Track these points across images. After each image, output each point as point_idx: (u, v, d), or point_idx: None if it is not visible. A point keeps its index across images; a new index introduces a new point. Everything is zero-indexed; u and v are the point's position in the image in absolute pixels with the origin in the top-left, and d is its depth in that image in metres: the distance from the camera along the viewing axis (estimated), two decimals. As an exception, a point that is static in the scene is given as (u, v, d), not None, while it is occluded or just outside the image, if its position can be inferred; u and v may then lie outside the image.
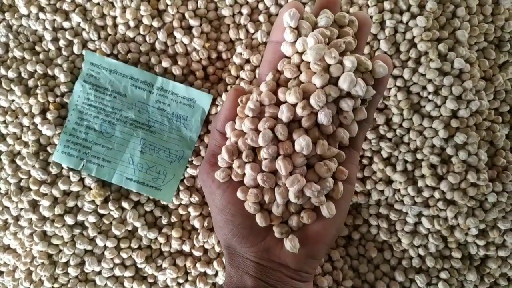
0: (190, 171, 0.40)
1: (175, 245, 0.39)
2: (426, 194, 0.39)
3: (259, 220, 0.28)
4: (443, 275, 0.39)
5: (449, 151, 0.38)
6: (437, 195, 0.38)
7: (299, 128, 0.27)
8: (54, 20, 0.40)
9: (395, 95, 0.39)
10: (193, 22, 0.40)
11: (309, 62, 0.26)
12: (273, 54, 0.29)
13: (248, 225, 0.28)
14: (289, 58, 0.28)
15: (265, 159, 0.27)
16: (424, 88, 0.39)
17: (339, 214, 0.28)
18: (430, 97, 0.39)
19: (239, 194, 0.27)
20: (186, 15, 0.40)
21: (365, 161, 0.41)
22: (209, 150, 0.31)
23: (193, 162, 0.40)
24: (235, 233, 0.28)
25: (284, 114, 0.26)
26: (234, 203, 0.28)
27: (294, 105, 0.26)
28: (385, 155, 0.40)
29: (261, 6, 0.41)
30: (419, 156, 0.39)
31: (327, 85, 0.26)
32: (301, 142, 0.26)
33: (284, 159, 0.26)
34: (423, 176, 0.39)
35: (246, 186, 0.28)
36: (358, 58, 0.26)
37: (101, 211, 0.38)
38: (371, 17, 0.39)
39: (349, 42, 0.27)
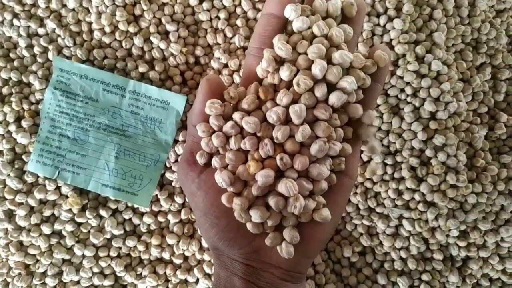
0: (169, 176, 0.39)
1: (154, 252, 0.39)
2: (406, 196, 0.39)
3: (251, 228, 0.26)
4: (425, 277, 0.39)
5: (428, 153, 0.38)
6: (417, 197, 0.38)
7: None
8: (29, 26, 0.39)
9: (374, 98, 0.39)
10: (170, 27, 0.39)
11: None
12: (264, 26, 0.26)
13: (235, 228, 0.26)
14: (287, 36, 0.26)
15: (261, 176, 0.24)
16: (402, 90, 0.39)
17: (336, 210, 0.26)
18: (408, 99, 0.39)
19: (224, 201, 0.25)
20: (163, 20, 0.40)
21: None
22: (186, 147, 0.29)
23: (172, 168, 0.39)
24: (221, 236, 0.27)
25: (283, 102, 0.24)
26: (218, 205, 0.26)
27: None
28: (365, 158, 0.40)
29: (238, 10, 0.41)
30: (398, 158, 0.39)
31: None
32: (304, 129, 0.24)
33: (288, 181, 0.24)
34: (403, 178, 0.39)
35: (232, 192, 0.26)
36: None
37: (79, 220, 0.38)
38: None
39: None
